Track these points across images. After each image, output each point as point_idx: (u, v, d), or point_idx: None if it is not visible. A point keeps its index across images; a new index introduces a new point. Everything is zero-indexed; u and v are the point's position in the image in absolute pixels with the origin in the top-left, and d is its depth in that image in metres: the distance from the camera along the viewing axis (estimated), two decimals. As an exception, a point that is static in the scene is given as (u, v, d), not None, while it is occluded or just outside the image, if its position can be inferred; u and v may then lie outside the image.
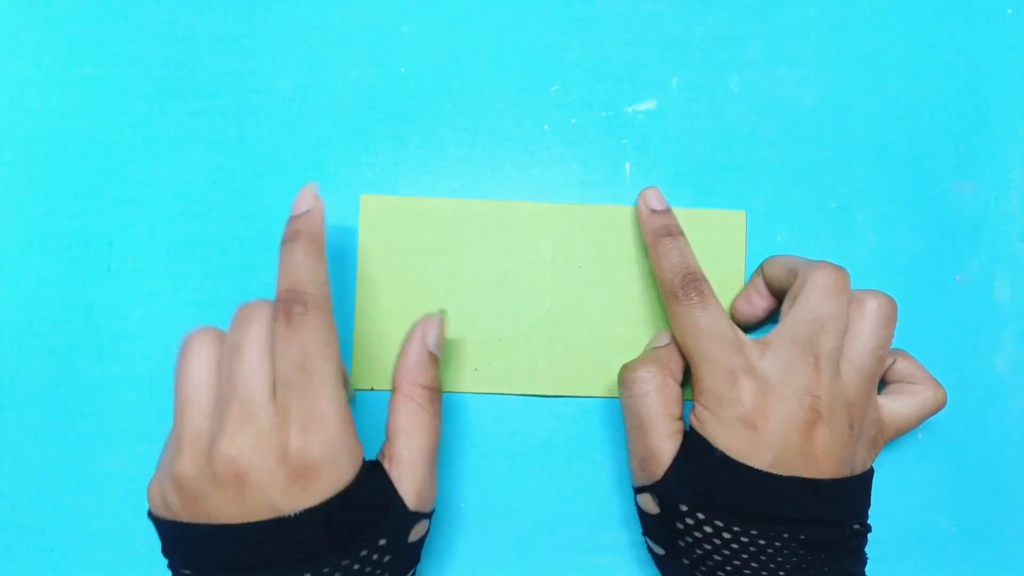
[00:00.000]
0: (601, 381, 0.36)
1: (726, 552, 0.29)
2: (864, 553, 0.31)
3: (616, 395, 0.35)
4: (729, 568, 0.29)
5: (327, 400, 0.26)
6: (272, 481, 0.25)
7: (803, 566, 0.28)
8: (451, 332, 0.36)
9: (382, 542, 0.27)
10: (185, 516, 0.26)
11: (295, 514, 0.25)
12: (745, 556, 0.28)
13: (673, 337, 0.33)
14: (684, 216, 0.36)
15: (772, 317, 0.35)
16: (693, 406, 0.31)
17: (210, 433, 0.26)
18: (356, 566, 0.26)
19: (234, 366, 0.27)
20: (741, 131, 0.37)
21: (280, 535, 0.26)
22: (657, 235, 0.34)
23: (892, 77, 0.38)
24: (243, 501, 0.25)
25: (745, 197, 0.37)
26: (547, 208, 0.37)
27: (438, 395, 0.30)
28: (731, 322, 0.31)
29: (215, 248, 0.37)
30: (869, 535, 0.30)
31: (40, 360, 0.36)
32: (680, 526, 0.30)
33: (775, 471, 0.28)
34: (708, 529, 0.29)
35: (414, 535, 0.28)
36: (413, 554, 0.29)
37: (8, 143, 0.37)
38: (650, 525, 0.31)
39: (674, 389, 0.32)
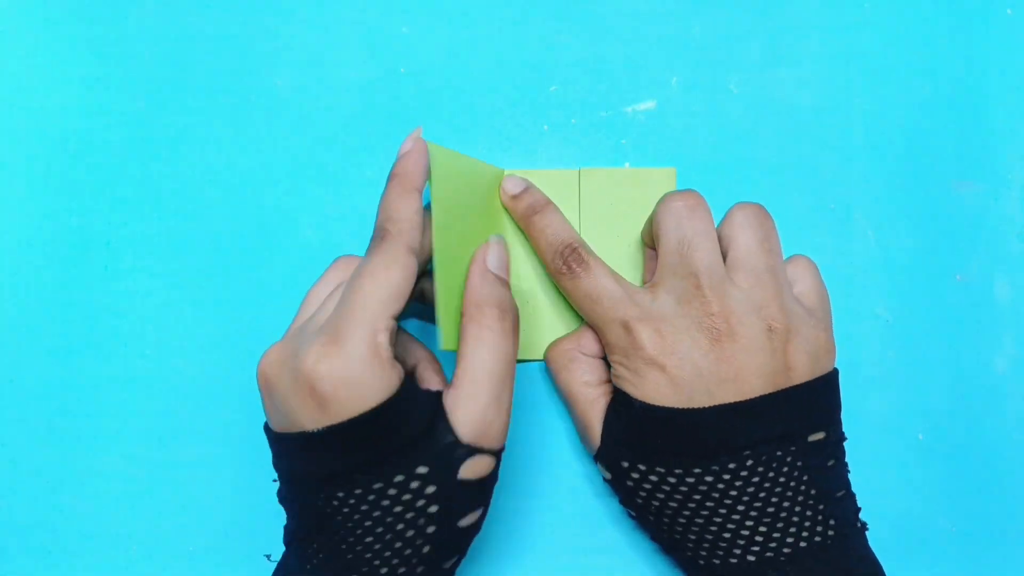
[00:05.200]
0: None
1: (678, 497, 0.29)
2: (840, 464, 0.30)
3: None
4: (688, 513, 0.29)
5: (357, 320, 0.26)
6: (290, 395, 0.26)
7: (762, 495, 0.28)
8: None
9: (421, 470, 0.26)
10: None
11: (317, 430, 0.26)
12: (698, 497, 0.28)
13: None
14: (614, 175, 0.36)
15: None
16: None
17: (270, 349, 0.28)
18: (392, 491, 0.26)
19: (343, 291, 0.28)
20: (741, 131, 0.37)
21: (306, 450, 0.26)
22: (525, 216, 0.34)
23: (892, 77, 0.38)
24: (274, 411, 0.27)
25: (745, 197, 0.37)
26: (570, 174, 0.36)
27: (508, 315, 0.28)
28: (618, 277, 0.31)
29: (213, 248, 0.37)
30: (843, 443, 0.30)
31: (38, 360, 0.36)
32: (630, 483, 0.30)
33: (696, 404, 0.28)
34: (654, 478, 0.29)
35: (468, 471, 0.27)
36: (470, 494, 0.27)
37: (7, 143, 0.37)
38: (614, 491, 0.32)
39: (584, 360, 0.33)
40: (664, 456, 0.29)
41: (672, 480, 0.29)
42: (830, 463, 0.29)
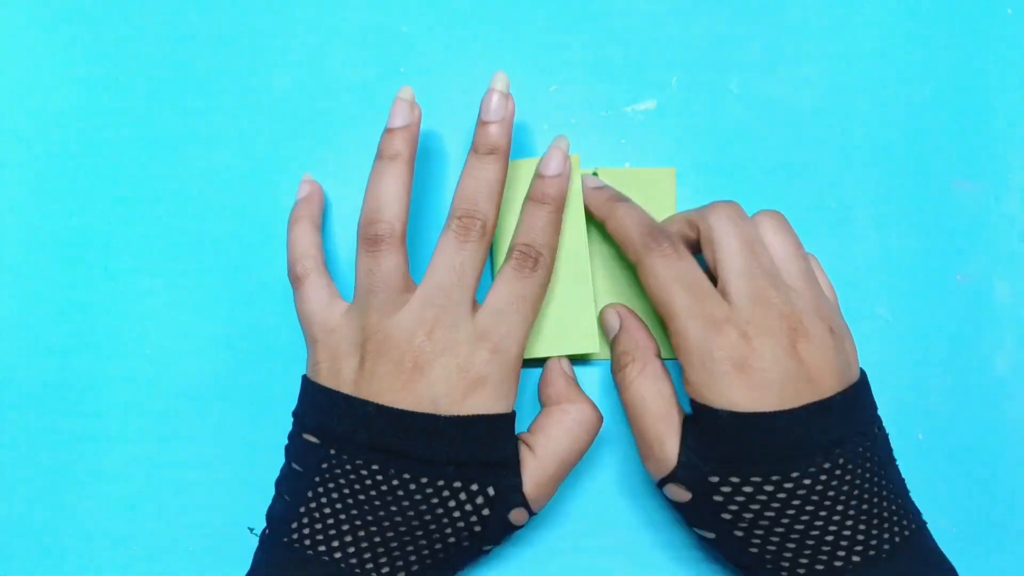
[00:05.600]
0: None
1: (775, 506, 0.28)
2: (893, 454, 0.31)
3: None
4: (786, 522, 0.28)
5: (518, 340, 0.30)
6: (446, 381, 0.29)
7: (855, 492, 0.28)
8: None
9: (491, 492, 0.29)
10: (348, 389, 0.29)
11: (446, 416, 0.28)
12: (797, 503, 0.28)
13: (626, 315, 0.33)
14: (614, 175, 0.36)
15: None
16: (683, 381, 0.30)
17: (406, 331, 0.29)
18: (462, 496, 0.29)
19: (451, 282, 0.30)
20: (741, 131, 0.37)
21: (425, 429, 0.28)
22: (612, 202, 0.33)
23: (892, 77, 0.38)
24: (412, 389, 0.29)
25: (745, 197, 0.37)
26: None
27: (586, 415, 0.32)
28: (702, 271, 0.30)
29: (212, 248, 0.37)
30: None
31: (37, 360, 0.36)
32: (719, 499, 0.29)
33: (786, 406, 0.28)
34: (748, 490, 0.28)
35: (513, 517, 0.30)
36: (502, 531, 0.30)
37: (7, 143, 0.37)
38: (689, 513, 0.30)
39: (656, 365, 0.31)
40: (758, 464, 0.28)
41: (768, 489, 0.28)
42: (893, 457, 0.30)
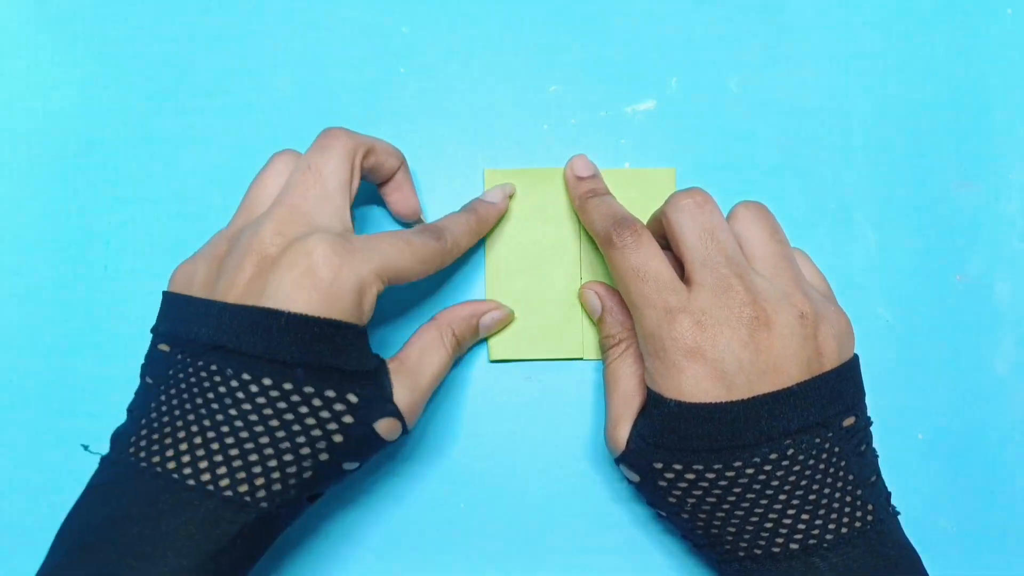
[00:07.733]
0: None
1: (717, 492, 0.28)
2: (870, 449, 0.30)
3: None
4: (727, 507, 0.28)
5: (389, 257, 0.29)
6: (289, 273, 0.27)
7: (803, 483, 0.28)
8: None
9: (352, 399, 0.28)
10: (200, 292, 0.29)
11: (290, 312, 0.27)
12: (738, 490, 0.28)
13: (605, 295, 0.34)
14: (614, 175, 0.36)
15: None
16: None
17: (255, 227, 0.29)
18: (316, 401, 0.27)
19: (309, 183, 0.30)
20: (741, 131, 0.37)
21: (269, 324, 0.27)
22: (584, 197, 0.34)
23: (892, 77, 0.38)
24: (256, 283, 0.27)
25: (745, 197, 0.37)
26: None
27: (460, 351, 0.34)
28: (668, 263, 0.30)
29: (215, 248, 0.37)
30: (871, 428, 0.30)
31: (38, 360, 0.36)
32: (663, 483, 0.29)
33: (736, 397, 0.28)
34: (690, 476, 0.28)
35: (381, 427, 0.29)
36: (368, 444, 0.29)
37: (7, 143, 0.37)
38: (641, 492, 0.32)
39: (634, 351, 0.32)
40: (701, 453, 0.28)
41: (710, 476, 0.28)
42: (862, 448, 0.29)
